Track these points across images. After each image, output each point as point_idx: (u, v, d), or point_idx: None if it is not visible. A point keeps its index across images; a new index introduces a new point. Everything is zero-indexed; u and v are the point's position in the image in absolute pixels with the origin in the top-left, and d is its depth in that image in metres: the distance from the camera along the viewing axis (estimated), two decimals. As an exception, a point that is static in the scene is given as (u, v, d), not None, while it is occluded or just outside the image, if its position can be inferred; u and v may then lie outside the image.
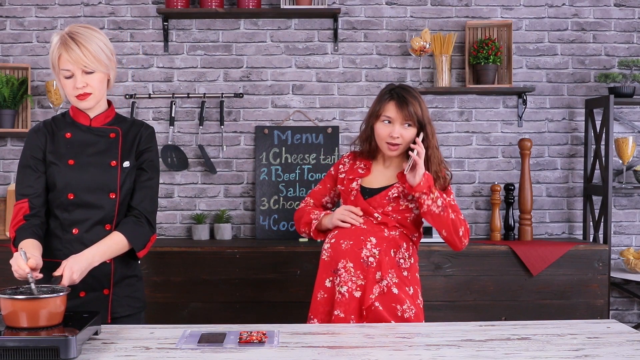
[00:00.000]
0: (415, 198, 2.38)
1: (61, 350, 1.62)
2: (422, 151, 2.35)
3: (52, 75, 3.09)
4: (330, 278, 2.41)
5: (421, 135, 2.39)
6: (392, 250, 2.39)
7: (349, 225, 2.42)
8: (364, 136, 2.51)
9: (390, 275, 2.36)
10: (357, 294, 2.35)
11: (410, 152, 2.36)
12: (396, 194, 2.41)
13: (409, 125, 2.39)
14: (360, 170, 2.51)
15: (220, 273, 3.52)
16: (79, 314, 1.86)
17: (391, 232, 2.40)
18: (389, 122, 2.39)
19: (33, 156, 2.17)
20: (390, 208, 2.41)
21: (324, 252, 2.45)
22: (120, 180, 2.17)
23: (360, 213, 2.43)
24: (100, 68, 2.12)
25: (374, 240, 2.38)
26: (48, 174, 2.15)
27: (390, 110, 2.40)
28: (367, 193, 2.45)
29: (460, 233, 2.40)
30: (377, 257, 2.36)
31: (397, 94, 2.41)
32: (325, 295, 2.41)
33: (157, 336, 1.93)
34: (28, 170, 2.16)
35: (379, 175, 2.49)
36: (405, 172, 2.37)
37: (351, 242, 2.38)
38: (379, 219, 2.41)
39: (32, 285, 1.82)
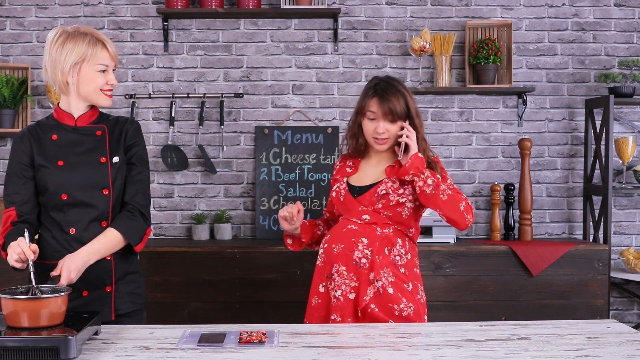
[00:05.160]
0: (409, 182, 2.37)
1: (61, 350, 1.62)
2: (411, 133, 2.36)
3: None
4: (324, 283, 2.39)
5: (406, 121, 2.39)
6: (386, 249, 2.36)
7: (285, 217, 2.46)
8: (350, 133, 2.51)
9: (385, 274, 2.32)
10: (352, 297, 2.33)
11: (399, 139, 2.37)
12: (384, 191, 2.37)
13: (393, 120, 2.39)
14: (348, 169, 2.50)
15: (220, 273, 3.52)
16: (79, 314, 1.86)
17: (384, 230, 2.37)
18: (374, 118, 2.40)
19: (19, 162, 2.16)
20: (380, 205, 2.37)
21: (318, 257, 2.44)
22: (112, 175, 2.17)
23: (297, 209, 2.46)
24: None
25: (365, 240, 2.34)
26: (39, 178, 2.14)
27: (373, 106, 2.40)
28: (357, 191, 2.43)
29: (461, 208, 2.33)
30: (369, 257, 2.33)
31: (381, 89, 2.42)
32: (319, 301, 2.39)
33: (157, 336, 1.93)
34: (14, 178, 2.16)
35: (370, 172, 2.47)
36: (399, 158, 2.38)
37: (342, 246, 2.36)
38: (366, 220, 2.38)
39: (32, 275, 1.81)
